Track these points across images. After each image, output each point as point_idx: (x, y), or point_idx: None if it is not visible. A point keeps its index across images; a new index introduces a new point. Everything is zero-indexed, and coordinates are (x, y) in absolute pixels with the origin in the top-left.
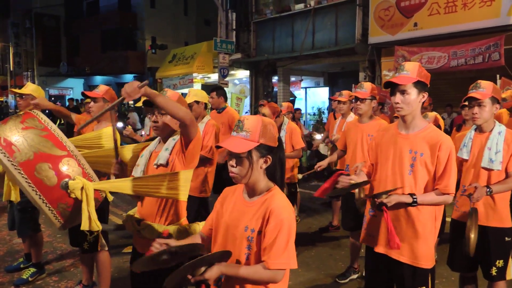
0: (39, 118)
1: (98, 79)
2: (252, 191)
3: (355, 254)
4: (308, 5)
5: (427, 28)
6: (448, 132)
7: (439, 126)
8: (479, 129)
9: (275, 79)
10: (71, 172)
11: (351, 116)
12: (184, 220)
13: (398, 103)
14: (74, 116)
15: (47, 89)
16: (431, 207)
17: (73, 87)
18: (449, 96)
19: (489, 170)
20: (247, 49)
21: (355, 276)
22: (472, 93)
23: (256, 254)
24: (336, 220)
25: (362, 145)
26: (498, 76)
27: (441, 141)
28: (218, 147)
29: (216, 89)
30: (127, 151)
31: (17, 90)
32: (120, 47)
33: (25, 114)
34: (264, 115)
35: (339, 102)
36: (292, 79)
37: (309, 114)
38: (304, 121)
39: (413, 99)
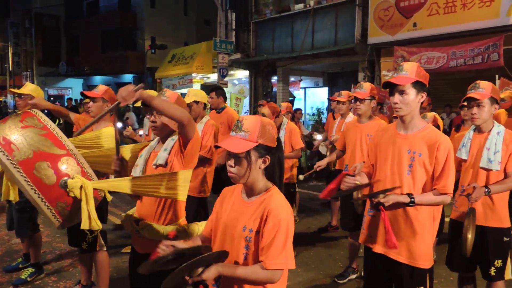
0: (39, 117)
1: (97, 79)
2: (250, 191)
3: (354, 254)
4: (308, 5)
5: (427, 29)
6: (447, 132)
7: (438, 126)
8: (478, 129)
9: (274, 79)
10: (70, 171)
11: (350, 116)
12: (183, 220)
13: (396, 103)
14: (72, 116)
15: (46, 89)
16: (429, 207)
17: (72, 87)
18: (448, 96)
19: (487, 170)
20: (247, 49)
21: (354, 276)
22: (471, 94)
23: (254, 254)
24: (335, 220)
25: (361, 145)
26: (497, 76)
27: (439, 141)
28: (217, 147)
29: (215, 89)
30: (126, 151)
31: (16, 90)
32: (119, 47)
33: (24, 113)
34: (263, 115)
35: (338, 102)
36: (292, 79)
37: (308, 114)
38: (303, 121)
39: (412, 99)
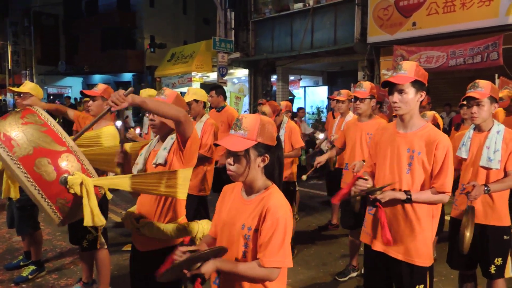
0: (39, 114)
1: (97, 77)
2: (249, 189)
3: (354, 252)
4: (307, 5)
5: (426, 28)
6: (447, 131)
7: (437, 125)
8: (478, 128)
9: (274, 78)
10: (70, 167)
11: (350, 115)
12: (183, 219)
13: (396, 102)
14: (72, 113)
15: (45, 87)
16: (428, 205)
17: (72, 86)
18: (447, 95)
19: (487, 169)
20: (246, 48)
21: (354, 274)
22: (471, 93)
23: (253, 251)
24: (335, 219)
25: (361, 143)
26: (496, 75)
27: (438, 140)
28: (216, 145)
29: (215, 88)
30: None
31: (15, 89)
32: (119, 46)
33: (25, 110)
34: (264, 113)
35: (338, 101)
36: (291, 78)
37: (308, 113)
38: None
39: (411, 98)
